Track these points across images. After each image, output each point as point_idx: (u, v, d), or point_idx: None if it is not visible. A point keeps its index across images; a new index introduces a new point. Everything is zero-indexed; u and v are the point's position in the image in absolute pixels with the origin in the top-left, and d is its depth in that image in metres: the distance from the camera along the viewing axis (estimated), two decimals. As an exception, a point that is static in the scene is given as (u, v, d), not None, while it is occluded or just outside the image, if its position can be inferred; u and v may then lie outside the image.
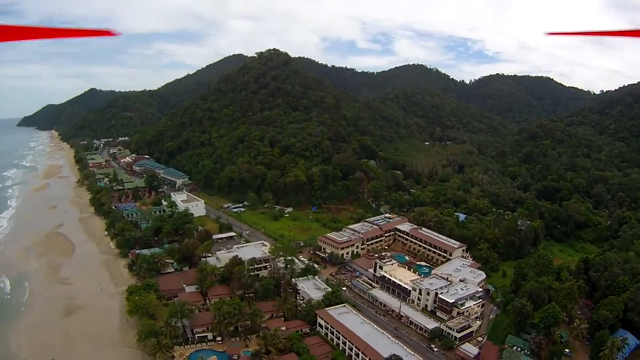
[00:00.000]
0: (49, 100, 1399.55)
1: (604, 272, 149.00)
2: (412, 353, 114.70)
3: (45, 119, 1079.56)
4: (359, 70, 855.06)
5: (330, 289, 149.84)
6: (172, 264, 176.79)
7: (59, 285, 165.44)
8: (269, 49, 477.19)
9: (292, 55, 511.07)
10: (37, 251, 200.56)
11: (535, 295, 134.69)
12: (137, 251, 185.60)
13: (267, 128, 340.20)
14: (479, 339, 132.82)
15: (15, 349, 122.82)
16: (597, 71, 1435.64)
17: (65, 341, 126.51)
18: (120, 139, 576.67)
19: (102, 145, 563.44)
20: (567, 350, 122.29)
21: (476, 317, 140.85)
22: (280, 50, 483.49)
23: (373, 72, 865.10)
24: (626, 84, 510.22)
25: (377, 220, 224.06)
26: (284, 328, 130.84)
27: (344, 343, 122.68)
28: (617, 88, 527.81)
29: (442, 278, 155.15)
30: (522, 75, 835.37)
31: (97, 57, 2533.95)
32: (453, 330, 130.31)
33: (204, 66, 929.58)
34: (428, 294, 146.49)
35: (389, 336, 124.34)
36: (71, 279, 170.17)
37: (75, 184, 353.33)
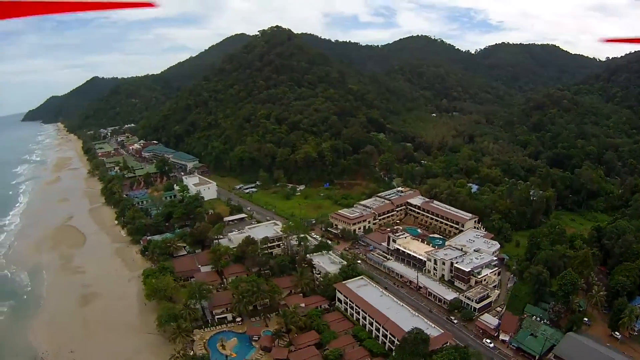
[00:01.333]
0: (52, 92, 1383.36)
1: (617, 239, 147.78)
2: (433, 326, 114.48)
3: (49, 111, 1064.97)
4: (362, 44, 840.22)
5: (345, 263, 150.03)
6: (184, 247, 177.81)
7: (73, 275, 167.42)
8: (272, 27, 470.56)
9: (295, 32, 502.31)
10: (49, 244, 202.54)
11: (551, 263, 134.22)
12: (149, 237, 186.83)
13: (273, 106, 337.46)
14: (498, 309, 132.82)
15: (34, 342, 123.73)
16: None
17: (84, 331, 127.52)
18: (126, 126, 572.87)
19: (109, 134, 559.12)
20: (585, 319, 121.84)
21: (494, 286, 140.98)
22: (283, 27, 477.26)
23: (377, 45, 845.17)
24: (632, 51, 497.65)
25: (389, 195, 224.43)
26: (303, 305, 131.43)
27: (364, 318, 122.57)
28: (622, 55, 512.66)
29: (457, 249, 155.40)
30: (527, 43, 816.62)
31: (97, 46, 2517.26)
32: (472, 300, 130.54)
33: (206, 47, 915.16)
34: (444, 263, 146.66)
35: (409, 309, 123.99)
36: (84, 267, 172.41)
37: (87, 175, 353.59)
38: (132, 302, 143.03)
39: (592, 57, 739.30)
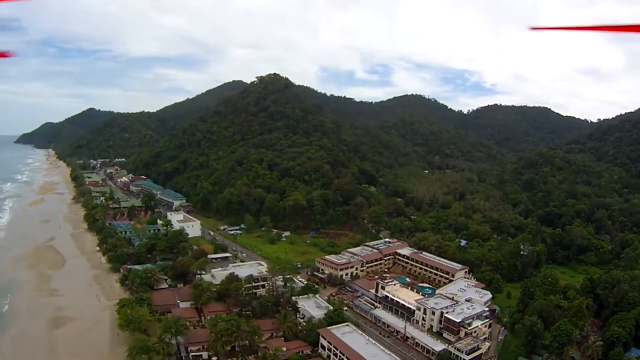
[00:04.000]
0: (48, 118, 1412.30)
1: (611, 289, 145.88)
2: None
3: (43, 136, 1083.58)
4: (357, 100, 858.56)
5: (331, 307, 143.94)
6: (165, 280, 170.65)
7: (47, 296, 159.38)
8: (270, 74, 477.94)
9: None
10: (27, 262, 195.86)
11: (546, 313, 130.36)
12: (129, 266, 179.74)
13: (267, 151, 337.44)
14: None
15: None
16: (593, 102, 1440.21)
17: (51, 355, 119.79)
18: (117, 160, 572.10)
19: (98, 165, 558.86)
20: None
21: (484, 338, 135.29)
22: (281, 75, 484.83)
23: (371, 102, 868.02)
24: (623, 112, 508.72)
25: (377, 244, 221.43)
26: (284, 349, 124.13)
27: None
28: (614, 116, 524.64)
29: (448, 297, 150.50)
30: (519, 105, 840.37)
31: (96, 78, 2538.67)
32: (462, 352, 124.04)
33: (203, 91, 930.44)
34: (433, 313, 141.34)
35: (397, 358, 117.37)
36: (61, 290, 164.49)
37: (71, 201, 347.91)
38: (105, 331, 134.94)
39: (583, 118, 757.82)
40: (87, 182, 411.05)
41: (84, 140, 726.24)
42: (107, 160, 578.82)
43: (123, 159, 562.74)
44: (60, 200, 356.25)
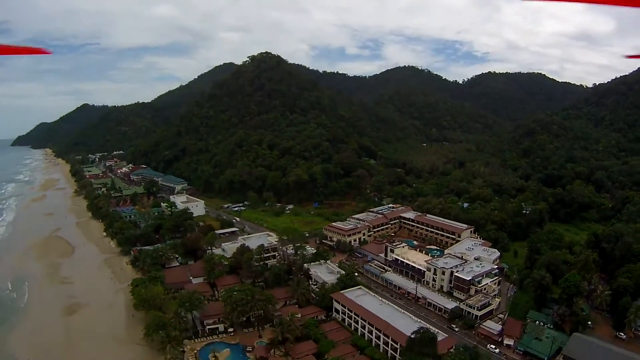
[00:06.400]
0: (42, 119, 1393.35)
1: (615, 243, 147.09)
2: (437, 331, 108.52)
3: (39, 137, 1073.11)
4: (350, 75, 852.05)
5: (343, 272, 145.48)
6: (176, 258, 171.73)
7: (59, 284, 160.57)
8: (261, 52, 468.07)
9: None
10: (36, 253, 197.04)
11: (553, 267, 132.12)
12: (139, 248, 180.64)
13: (265, 132, 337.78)
14: (500, 315, 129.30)
15: (16, 351, 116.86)
16: (586, 67, 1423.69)
17: (68, 340, 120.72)
18: (115, 152, 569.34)
19: (97, 159, 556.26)
20: (589, 322, 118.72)
21: (494, 295, 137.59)
22: (272, 53, 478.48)
23: (365, 76, 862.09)
24: (619, 76, 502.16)
25: (381, 210, 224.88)
26: (299, 315, 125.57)
27: (363, 327, 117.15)
28: (609, 80, 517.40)
29: (457, 257, 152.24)
30: (513, 72, 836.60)
31: (87, 73, 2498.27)
32: (473, 308, 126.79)
33: (195, 77, 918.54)
34: (443, 273, 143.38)
35: (411, 316, 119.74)
36: (72, 277, 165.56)
37: (73, 194, 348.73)
38: (120, 313, 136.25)
39: (579, 84, 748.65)
40: (87, 176, 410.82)
41: (80, 136, 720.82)
42: (106, 154, 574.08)
43: (122, 152, 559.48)
44: (62, 195, 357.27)
